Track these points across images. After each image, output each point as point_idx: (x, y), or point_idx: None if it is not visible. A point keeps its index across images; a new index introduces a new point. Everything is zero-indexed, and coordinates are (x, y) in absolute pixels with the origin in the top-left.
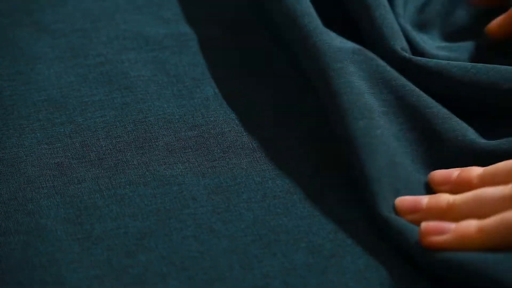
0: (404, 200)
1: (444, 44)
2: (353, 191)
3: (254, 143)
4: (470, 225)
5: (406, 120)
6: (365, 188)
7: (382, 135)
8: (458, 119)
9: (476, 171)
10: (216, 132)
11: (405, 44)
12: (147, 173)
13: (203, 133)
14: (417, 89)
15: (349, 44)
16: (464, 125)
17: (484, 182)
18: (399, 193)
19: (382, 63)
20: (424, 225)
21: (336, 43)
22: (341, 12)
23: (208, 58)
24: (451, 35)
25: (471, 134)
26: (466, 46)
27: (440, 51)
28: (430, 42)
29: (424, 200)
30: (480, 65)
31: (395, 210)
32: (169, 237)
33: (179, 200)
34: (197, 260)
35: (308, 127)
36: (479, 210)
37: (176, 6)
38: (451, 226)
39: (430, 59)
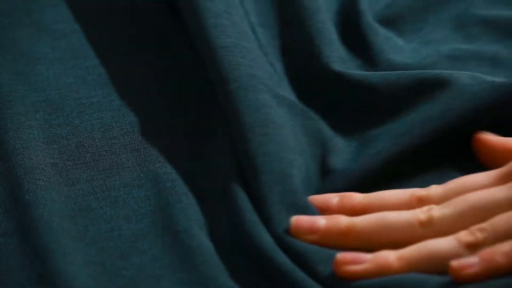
0: (300, 220)
1: (411, 45)
2: None
3: None
4: (389, 253)
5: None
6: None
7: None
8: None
9: (357, 197)
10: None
11: (342, 53)
12: (141, 175)
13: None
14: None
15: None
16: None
17: (369, 207)
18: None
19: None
20: (340, 255)
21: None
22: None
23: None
24: (421, 31)
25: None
26: (433, 49)
27: (398, 56)
28: (392, 42)
29: (321, 221)
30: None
31: (291, 230)
32: (162, 238)
33: (172, 196)
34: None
35: None
36: (383, 235)
37: None
38: (368, 256)
39: (357, 73)
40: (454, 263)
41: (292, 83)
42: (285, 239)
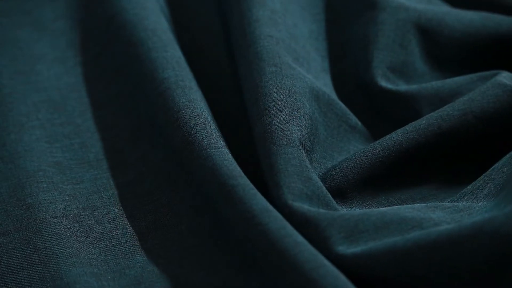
0: None
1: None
2: None
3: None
4: None
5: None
6: (271, 179)
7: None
8: None
9: None
10: (184, 84)
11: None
12: (143, 169)
13: (171, 85)
14: None
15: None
16: None
17: None
18: (306, 183)
19: None
20: None
21: None
22: None
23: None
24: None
25: None
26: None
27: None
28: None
29: None
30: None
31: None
32: (165, 236)
33: (171, 185)
34: (192, 256)
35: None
36: None
37: None
38: None
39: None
40: None
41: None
42: (293, 205)
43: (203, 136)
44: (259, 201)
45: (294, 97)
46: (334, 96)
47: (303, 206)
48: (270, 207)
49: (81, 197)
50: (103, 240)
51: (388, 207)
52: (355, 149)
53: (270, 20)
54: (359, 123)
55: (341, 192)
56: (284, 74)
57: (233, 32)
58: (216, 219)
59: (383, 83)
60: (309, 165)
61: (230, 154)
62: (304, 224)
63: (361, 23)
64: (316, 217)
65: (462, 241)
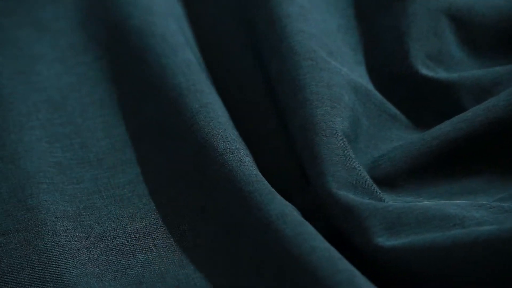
0: None
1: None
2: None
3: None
4: None
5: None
6: (314, 169)
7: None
8: None
9: None
10: (195, 89)
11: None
12: (145, 169)
13: (183, 90)
14: None
15: None
16: None
17: None
18: (351, 172)
19: None
20: None
21: None
22: None
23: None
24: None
25: None
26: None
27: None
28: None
29: None
30: None
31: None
32: (167, 236)
33: (173, 188)
34: (194, 256)
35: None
36: None
37: None
38: None
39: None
40: None
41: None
42: (338, 193)
43: (218, 141)
44: (276, 206)
45: (333, 90)
46: (370, 87)
47: (347, 195)
48: (287, 210)
49: (82, 197)
50: (104, 240)
51: (433, 202)
52: (397, 137)
53: (300, 16)
54: (398, 112)
55: (390, 181)
56: (320, 67)
57: (260, 28)
58: (225, 223)
59: (424, 71)
60: (353, 155)
61: (247, 157)
62: (346, 213)
63: (391, 15)
64: (359, 207)
65: (500, 244)
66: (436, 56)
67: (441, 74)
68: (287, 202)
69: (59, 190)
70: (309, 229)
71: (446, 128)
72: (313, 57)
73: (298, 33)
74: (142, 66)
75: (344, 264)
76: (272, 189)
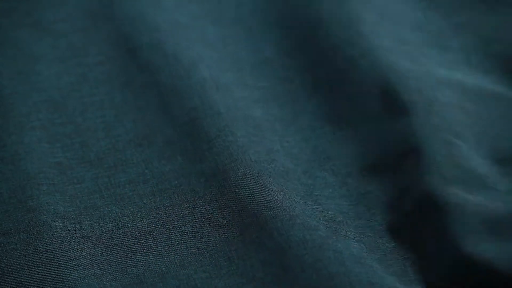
0: None
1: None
2: (344, 190)
3: (249, 128)
4: None
5: None
6: (420, 166)
7: None
8: None
9: None
10: (212, 112)
11: None
12: (146, 170)
13: (200, 114)
14: None
15: None
16: None
17: None
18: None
19: None
20: None
21: None
22: None
23: (205, 43)
24: None
25: None
26: None
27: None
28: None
29: None
30: None
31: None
32: (168, 235)
33: (178, 195)
34: (196, 257)
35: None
36: None
37: None
38: None
39: None
40: None
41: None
42: (445, 190)
43: (239, 166)
44: (297, 232)
45: (443, 90)
46: (482, 86)
47: (456, 193)
48: (308, 235)
49: (83, 196)
50: (104, 239)
51: None
52: None
53: None
54: None
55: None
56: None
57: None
58: (237, 239)
59: None
60: (465, 152)
61: (267, 181)
62: (451, 210)
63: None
64: (463, 204)
65: None
66: None
67: None
68: (309, 225)
69: (59, 191)
70: (329, 254)
71: None
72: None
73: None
74: (152, 86)
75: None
76: (294, 213)
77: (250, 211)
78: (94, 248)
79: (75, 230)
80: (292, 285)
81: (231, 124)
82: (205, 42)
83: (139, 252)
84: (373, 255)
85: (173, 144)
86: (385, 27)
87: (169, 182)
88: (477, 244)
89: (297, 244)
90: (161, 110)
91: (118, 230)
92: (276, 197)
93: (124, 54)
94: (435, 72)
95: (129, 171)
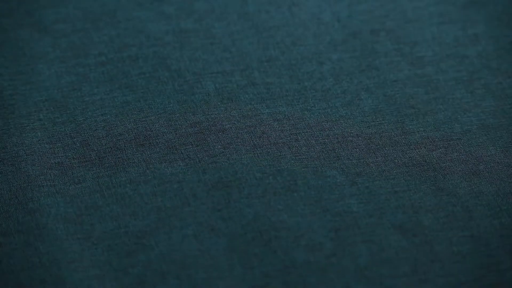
0: None
1: None
2: (354, 189)
3: (255, 140)
4: None
5: None
6: None
7: None
8: None
9: None
10: (216, 128)
11: None
12: (147, 171)
13: (204, 130)
14: None
15: None
16: None
17: None
18: None
19: None
20: None
21: None
22: None
23: (210, 54)
24: None
25: None
26: None
27: None
28: None
29: None
30: None
31: None
32: (169, 236)
33: (179, 197)
34: (197, 258)
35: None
36: None
37: (178, 1)
38: None
39: None
40: None
41: None
42: None
43: (244, 185)
44: (301, 254)
45: None
46: None
47: None
48: (312, 258)
49: (83, 196)
50: (105, 239)
51: None
52: None
53: None
54: None
55: None
56: None
57: None
58: (240, 249)
59: None
60: None
61: (272, 199)
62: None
63: None
64: None
65: None
66: None
67: None
68: (314, 245)
69: (60, 192)
70: (332, 276)
71: None
72: None
73: None
74: (158, 94)
75: None
76: (299, 234)
77: (255, 227)
78: (95, 249)
79: (76, 232)
80: None
81: (235, 140)
82: (212, 42)
83: (140, 252)
84: (383, 255)
85: (175, 149)
86: None
87: (170, 185)
88: None
89: (301, 265)
90: (164, 117)
91: (119, 229)
92: (281, 218)
93: (125, 60)
94: None
95: (130, 170)
